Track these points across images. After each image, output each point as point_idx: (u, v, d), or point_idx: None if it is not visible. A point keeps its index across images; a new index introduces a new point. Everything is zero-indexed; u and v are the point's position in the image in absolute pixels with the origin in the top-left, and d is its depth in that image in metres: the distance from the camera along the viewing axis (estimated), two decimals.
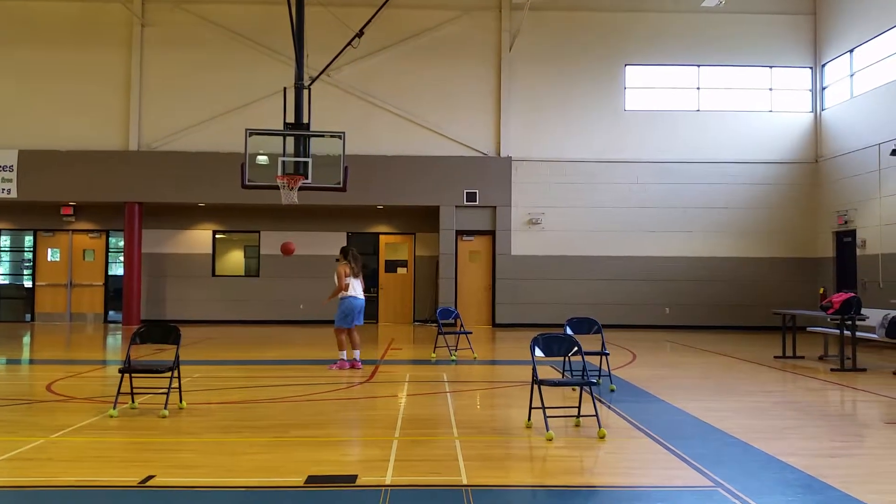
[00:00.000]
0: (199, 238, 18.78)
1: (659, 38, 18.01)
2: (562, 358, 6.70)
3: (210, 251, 18.74)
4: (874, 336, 10.74)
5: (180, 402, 6.98)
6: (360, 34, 12.70)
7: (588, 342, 7.64)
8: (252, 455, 5.30)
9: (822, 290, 16.17)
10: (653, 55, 18.07)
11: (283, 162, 11.57)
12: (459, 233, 17.91)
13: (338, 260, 10.12)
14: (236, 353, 12.07)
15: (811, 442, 5.92)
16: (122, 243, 18.19)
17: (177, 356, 6.92)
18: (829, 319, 10.66)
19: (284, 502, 4.33)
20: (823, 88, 17.86)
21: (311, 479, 4.63)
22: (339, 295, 9.96)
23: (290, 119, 11.85)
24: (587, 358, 6.70)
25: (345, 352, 10.04)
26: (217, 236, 18.90)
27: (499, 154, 17.81)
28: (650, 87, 18.16)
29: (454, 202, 17.63)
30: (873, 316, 10.74)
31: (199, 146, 17.54)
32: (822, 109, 17.84)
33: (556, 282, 17.65)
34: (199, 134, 17.67)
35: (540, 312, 17.34)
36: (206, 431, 6.11)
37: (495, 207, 17.70)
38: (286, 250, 10.71)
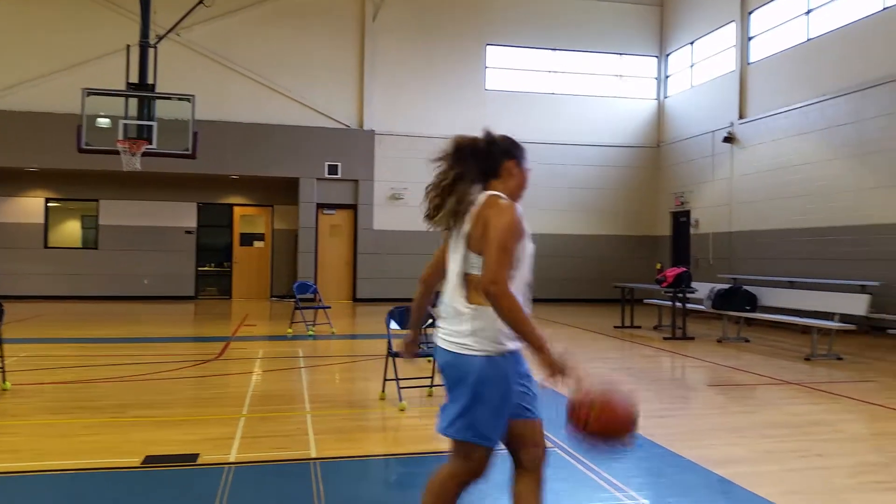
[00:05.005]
0: (30, 206, 17.16)
1: (518, 19, 18.46)
2: None
3: (42, 221, 17.19)
4: (702, 308, 11.76)
5: (3, 382, 6.39)
6: None
7: None
8: (85, 437, 4.95)
9: (658, 266, 17.44)
10: (512, 36, 18.50)
11: (125, 125, 10.81)
12: (320, 206, 17.58)
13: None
14: (71, 331, 11.20)
15: (643, 404, 6.30)
16: None
17: None
18: (663, 292, 11.56)
19: (119, 484, 4.07)
20: (667, 77, 19.12)
21: (149, 460, 4.40)
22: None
23: (134, 79, 11.06)
24: None
25: None
26: (50, 204, 17.36)
27: (362, 127, 17.60)
28: (509, 67, 18.62)
29: (315, 174, 17.26)
30: (702, 289, 11.75)
31: (31, 105, 15.93)
32: (665, 97, 19.12)
33: (418, 256, 17.76)
34: (30, 92, 16.03)
35: (401, 287, 17.42)
36: (34, 413, 5.64)
37: (358, 181, 17.53)
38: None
